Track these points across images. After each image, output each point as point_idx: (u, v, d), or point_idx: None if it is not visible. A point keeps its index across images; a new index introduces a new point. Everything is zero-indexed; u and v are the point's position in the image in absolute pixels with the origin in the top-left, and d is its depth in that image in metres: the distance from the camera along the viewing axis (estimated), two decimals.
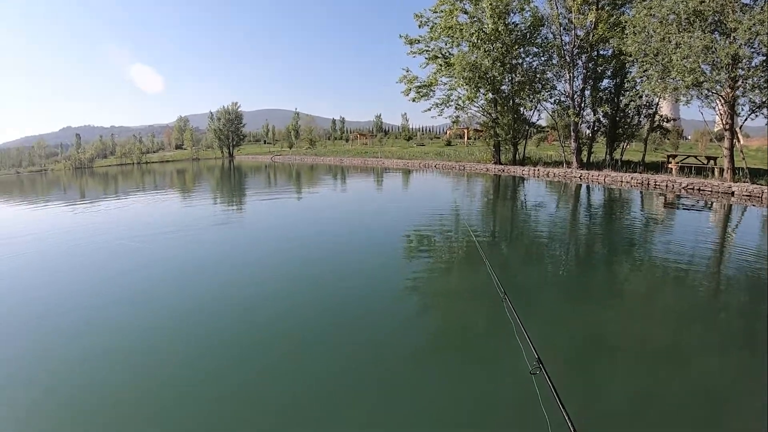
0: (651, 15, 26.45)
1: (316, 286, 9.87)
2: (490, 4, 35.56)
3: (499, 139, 41.28)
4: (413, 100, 43.80)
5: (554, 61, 37.56)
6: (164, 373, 6.34)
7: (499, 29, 36.11)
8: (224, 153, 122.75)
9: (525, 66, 38.95)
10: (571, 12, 34.45)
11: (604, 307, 8.64)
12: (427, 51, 42.36)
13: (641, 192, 26.63)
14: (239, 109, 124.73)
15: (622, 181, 30.34)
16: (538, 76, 38.40)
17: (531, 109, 40.34)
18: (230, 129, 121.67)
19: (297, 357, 6.70)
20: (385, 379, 6.00)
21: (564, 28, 35.57)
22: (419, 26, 42.02)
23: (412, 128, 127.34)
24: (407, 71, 43.62)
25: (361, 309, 8.52)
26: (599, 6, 33.64)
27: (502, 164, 41.73)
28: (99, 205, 28.32)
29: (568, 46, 35.72)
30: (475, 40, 37.86)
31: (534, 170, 37.10)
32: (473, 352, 6.76)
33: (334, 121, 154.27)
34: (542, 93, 38.50)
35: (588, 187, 29.37)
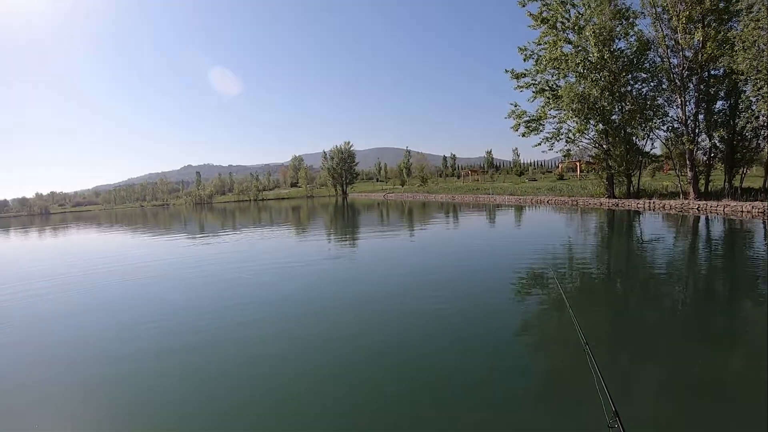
0: (759, 28, 25.10)
1: (406, 319, 10.25)
2: (594, 32, 34.83)
3: (612, 171, 39.65)
4: (523, 135, 43.18)
5: (664, 86, 35.75)
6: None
7: (605, 57, 35.21)
8: (338, 191, 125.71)
9: (634, 93, 37.35)
10: (676, 33, 32.77)
11: (712, 355, 7.87)
12: (533, 84, 41.88)
13: (764, 222, 24.77)
14: (352, 148, 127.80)
15: (743, 211, 28.41)
16: (648, 102, 36.66)
17: (643, 138, 38.54)
18: (343, 167, 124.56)
19: (391, 378, 7.16)
20: (452, 414, 6.06)
21: (671, 50, 33.99)
22: (524, 60, 41.61)
23: (524, 163, 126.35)
24: (515, 106, 43.22)
25: (433, 345, 8.65)
26: (705, 23, 31.89)
27: (615, 197, 39.92)
28: (217, 239, 29.88)
29: (677, 69, 33.98)
30: (582, 70, 37.13)
31: (649, 203, 35.50)
32: (549, 400, 6.52)
33: (445, 158, 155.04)
34: (654, 120, 36.71)
35: (707, 219, 27.57)
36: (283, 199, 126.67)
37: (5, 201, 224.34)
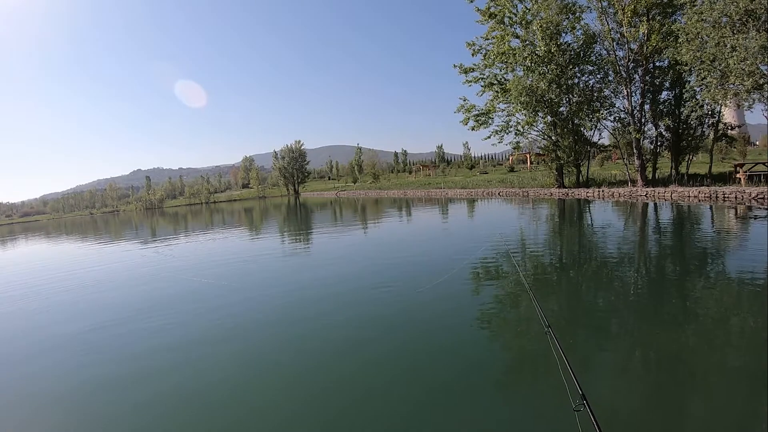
0: (703, 20, 25.71)
1: (363, 308, 10.47)
2: (541, 27, 35.32)
3: (561, 162, 40.29)
4: (472, 129, 43.59)
5: (610, 78, 36.39)
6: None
7: (552, 50, 35.74)
8: (290, 190, 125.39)
9: (581, 85, 38.04)
10: (622, 26, 33.44)
11: (668, 334, 7.91)
12: (482, 78, 42.31)
13: (711, 206, 25.42)
14: (303, 147, 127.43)
15: (689, 196, 29.24)
16: (595, 94, 37.36)
17: (591, 129, 39.13)
18: (295, 167, 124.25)
19: (357, 363, 7.43)
20: (417, 410, 6.02)
21: (617, 43, 34.61)
22: (473, 54, 41.98)
23: (474, 156, 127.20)
24: (464, 100, 43.63)
25: (400, 333, 8.79)
26: (650, 17, 32.67)
27: (565, 188, 40.71)
28: (171, 243, 29.48)
29: (623, 61, 34.64)
30: (529, 64, 37.64)
31: (599, 191, 36.25)
32: (514, 387, 6.55)
33: (396, 154, 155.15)
34: (601, 111, 37.28)
35: (655, 205, 28.18)
36: (235, 200, 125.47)
37: None
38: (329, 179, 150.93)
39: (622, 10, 32.88)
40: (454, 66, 43.14)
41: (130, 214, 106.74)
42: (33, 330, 11.47)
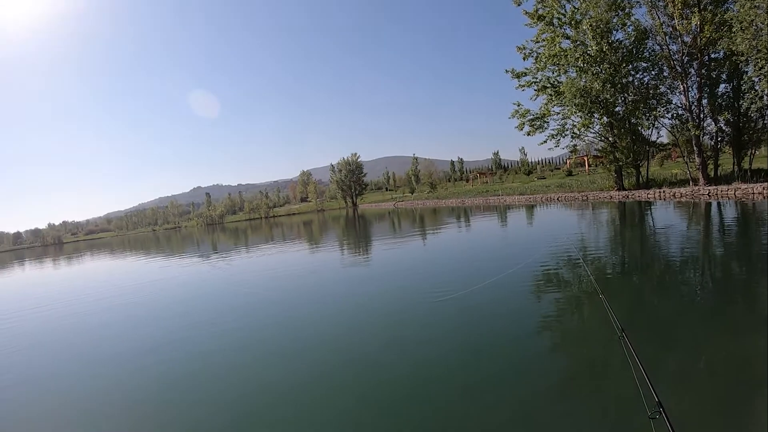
0: (756, 7, 24.89)
1: (433, 320, 10.04)
2: (591, 25, 34.76)
3: (620, 163, 39.46)
4: (528, 134, 43.10)
5: (665, 74, 35.55)
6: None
7: (604, 49, 35.11)
8: (348, 203, 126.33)
9: (636, 83, 37.18)
10: (673, 19, 32.59)
11: (744, 338, 7.51)
12: (535, 82, 41.89)
13: None
14: (359, 159, 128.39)
15: (754, 193, 28.17)
16: (651, 91, 36.45)
17: (649, 128, 38.20)
18: (352, 179, 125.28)
19: (416, 377, 7.10)
20: (483, 416, 5.87)
21: (669, 37, 33.76)
22: (524, 58, 41.59)
23: (531, 162, 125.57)
24: (518, 105, 43.18)
25: (462, 339, 8.65)
26: (701, 7, 31.60)
27: (625, 190, 39.77)
28: (233, 257, 30.10)
29: (677, 56, 33.75)
30: (582, 64, 37.07)
31: (659, 192, 35.21)
32: (584, 393, 6.29)
33: (452, 162, 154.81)
34: (658, 109, 36.36)
35: (719, 204, 27.09)
36: (294, 214, 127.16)
37: (18, 233, 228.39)
38: (386, 190, 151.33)
39: (672, 2, 31.94)
40: (506, 71, 42.84)
41: (191, 230, 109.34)
42: (126, 335, 12.19)
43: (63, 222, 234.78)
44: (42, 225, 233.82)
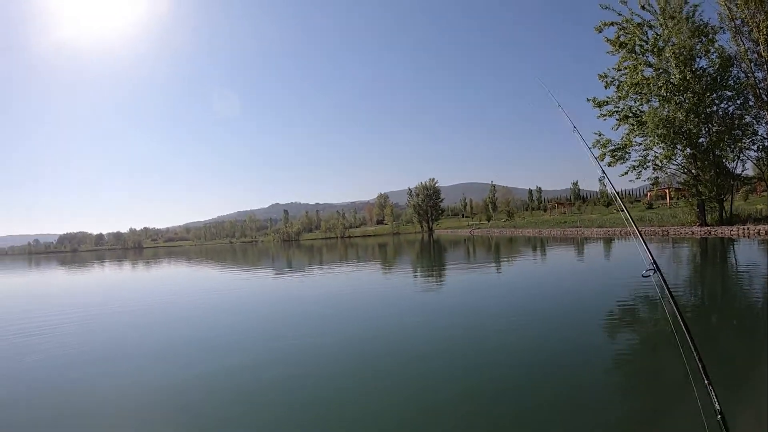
0: None
1: (505, 351, 9.84)
2: (674, 53, 34.14)
3: (703, 197, 37.97)
4: (609, 165, 42.00)
5: (751, 103, 34.37)
6: None
7: (687, 77, 34.34)
8: (423, 227, 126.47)
9: (720, 113, 36.11)
10: (759, 45, 31.59)
11: None
12: (617, 111, 41.20)
13: None
14: (437, 185, 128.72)
15: None
16: (736, 122, 35.32)
17: (733, 160, 36.83)
18: (429, 204, 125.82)
19: (489, 403, 7.14)
20: None
21: (755, 64, 32.66)
22: (605, 87, 40.93)
23: (611, 193, 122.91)
24: (599, 135, 42.48)
25: (535, 372, 8.43)
26: None
27: (707, 225, 38.09)
28: (309, 274, 30.89)
29: (762, 84, 32.78)
30: (665, 93, 36.26)
31: (743, 229, 33.88)
32: (645, 401, 6.39)
33: (530, 191, 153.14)
34: (743, 140, 35.24)
35: None
36: (370, 236, 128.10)
37: (101, 235, 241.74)
38: (463, 216, 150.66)
39: (757, 27, 31.08)
40: (588, 100, 42.32)
41: (267, 245, 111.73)
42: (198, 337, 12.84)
43: (144, 228, 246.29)
44: (124, 229, 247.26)
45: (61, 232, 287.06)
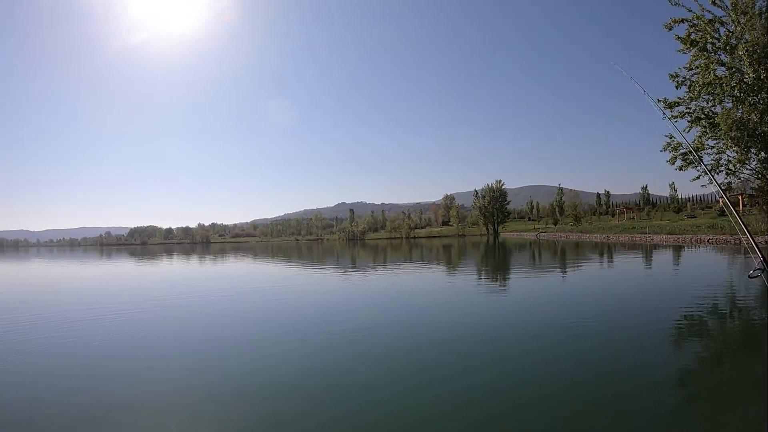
0: None
1: (571, 359, 9.65)
2: (747, 51, 33.00)
3: None
4: (680, 169, 40.70)
5: None
6: None
7: (762, 77, 33.18)
8: (489, 229, 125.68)
9: None
10: None
11: None
12: (688, 113, 39.99)
13: None
14: (503, 187, 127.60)
15: None
16: None
17: None
18: (495, 206, 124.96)
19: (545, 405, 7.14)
20: None
21: None
22: (676, 87, 39.63)
23: (681, 198, 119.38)
24: (670, 138, 41.28)
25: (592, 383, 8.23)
26: None
27: None
28: (371, 273, 31.35)
29: None
30: (738, 94, 35.09)
31: None
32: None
33: (598, 195, 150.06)
34: None
35: None
36: (435, 237, 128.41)
37: (170, 229, 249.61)
38: (529, 220, 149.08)
39: None
40: (658, 101, 41.12)
41: (332, 243, 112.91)
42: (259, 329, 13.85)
43: (212, 224, 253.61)
44: (192, 224, 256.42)
45: (132, 225, 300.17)
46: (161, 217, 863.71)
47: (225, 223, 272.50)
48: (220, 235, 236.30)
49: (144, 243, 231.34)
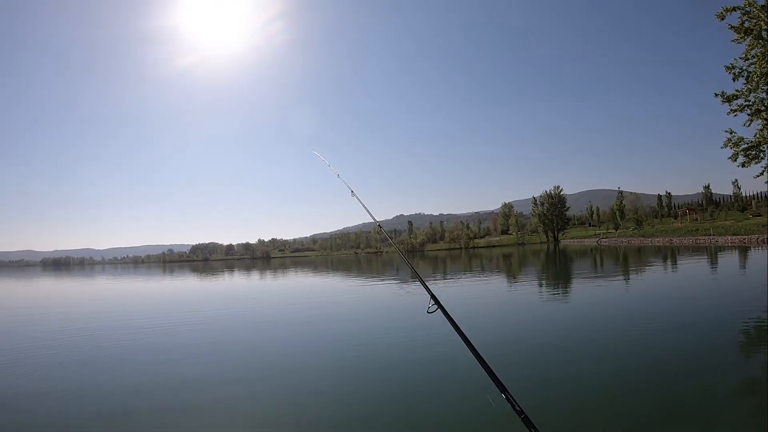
0: None
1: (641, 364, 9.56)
2: None
3: None
4: (742, 165, 39.96)
5: None
6: None
7: None
8: (549, 237, 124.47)
9: None
10: None
11: None
12: (748, 106, 38.96)
13: None
14: (562, 193, 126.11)
15: None
16: None
17: None
18: (554, 213, 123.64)
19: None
20: None
21: None
22: (734, 79, 38.75)
23: (746, 196, 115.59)
24: (731, 133, 40.27)
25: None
26: None
27: None
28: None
29: None
30: None
31: None
32: None
33: (660, 196, 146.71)
34: None
35: None
36: (494, 246, 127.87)
37: (231, 245, 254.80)
38: (589, 225, 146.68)
39: None
40: (716, 95, 40.26)
41: (392, 256, 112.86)
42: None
43: (272, 239, 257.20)
44: (253, 240, 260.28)
45: (194, 242, 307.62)
46: (222, 234, 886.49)
47: (285, 238, 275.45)
48: (280, 250, 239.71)
49: (206, 259, 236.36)
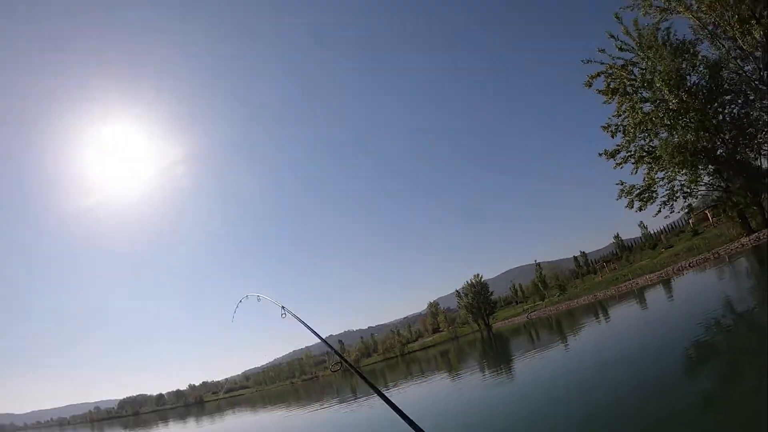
0: None
1: None
2: (663, 80, 34.36)
3: (740, 206, 37.87)
4: (639, 209, 42.28)
5: (751, 98, 34.53)
6: None
7: (684, 98, 34.55)
8: (480, 324, 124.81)
9: (728, 119, 36.38)
10: (737, 40, 32.09)
11: None
12: (630, 156, 41.32)
13: None
14: (483, 279, 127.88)
15: None
16: (744, 120, 35.49)
17: (756, 159, 37.13)
18: (480, 301, 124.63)
19: None
20: None
21: (740, 60, 33.21)
22: (612, 136, 41.41)
23: (654, 232, 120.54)
24: (622, 184, 42.54)
25: None
26: (758, 17, 30.52)
27: (754, 232, 37.48)
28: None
29: (755, 74, 32.99)
30: (668, 121, 36.44)
31: None
32: None
33: (576, 257, 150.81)
34: (758, 136, 35.26)
35: None
36: (429, 347, 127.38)
37: (161, 395, 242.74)
38: (516, 303, 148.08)
39: (729, 24, 31.65)
40: (600, 155, 42.55)
41: (329, 379, 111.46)
42: None
43: (203, 382, 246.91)
44: (183, 386, 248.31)
45: (121, 396, 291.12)
46: (150, 384, 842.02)
47: (216, 379, 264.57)
48: (213, 393, 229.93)
49: (136, 413, 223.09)
